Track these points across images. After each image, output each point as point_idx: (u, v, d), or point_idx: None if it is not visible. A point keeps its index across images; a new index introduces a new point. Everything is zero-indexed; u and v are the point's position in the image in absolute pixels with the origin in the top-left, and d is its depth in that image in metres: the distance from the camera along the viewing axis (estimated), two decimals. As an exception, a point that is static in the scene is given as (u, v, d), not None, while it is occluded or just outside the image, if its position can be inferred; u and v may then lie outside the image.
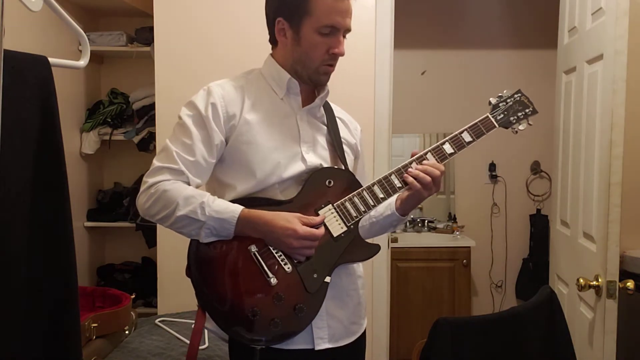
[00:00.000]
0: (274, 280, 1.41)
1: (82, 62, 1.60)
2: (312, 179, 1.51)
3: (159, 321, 2.39)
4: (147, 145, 3.22)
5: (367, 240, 1.55)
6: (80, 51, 1.62)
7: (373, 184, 1.52)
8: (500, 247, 4.27)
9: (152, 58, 2.73)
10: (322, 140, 1.58)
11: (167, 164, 1.43)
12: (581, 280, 1.93)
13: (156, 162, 1.45)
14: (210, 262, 1.43)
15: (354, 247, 1.51)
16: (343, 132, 1.64)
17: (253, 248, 1.42)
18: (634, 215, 2.49)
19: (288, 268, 1.43)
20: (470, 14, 4.17)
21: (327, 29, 1.46)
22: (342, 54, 1.49)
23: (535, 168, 4.23)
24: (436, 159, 1.54)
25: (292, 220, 1.40)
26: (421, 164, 1.52)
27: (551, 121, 2.57)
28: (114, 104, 3.26)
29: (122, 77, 3.42)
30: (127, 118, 3.29)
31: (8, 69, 1.27)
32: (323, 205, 1.49)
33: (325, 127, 1.60)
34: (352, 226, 1.50)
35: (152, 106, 3.02)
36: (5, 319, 1.33)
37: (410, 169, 1.51)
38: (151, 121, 3.10)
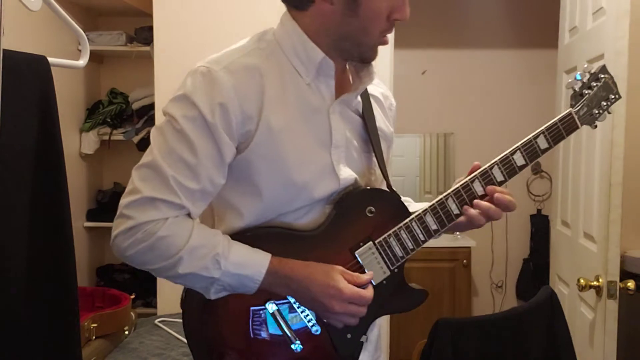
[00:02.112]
0: (298, 347, 1.11)
1: (82, 62, 1.60)
2: (347, 204, 1.14)
3: (159, 321, 2.39)
4: (147, 145, 3.19)
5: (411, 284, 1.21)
6: (80, 51, 1.62)
7: (425, 212, 1.16)
8: (500, 247, 4.26)
9: (152, 58, 2.73)
10: (355, 139, 1.19)
11: (161, 195, 1.02)
12: (582, 281, 1.93)
13: (142, 188, 1.02)
14: (215, 321, 1.11)
15: (396, 295, 1.18)
16: (379, 120, 1.25)
17: (272, 307, 1.10)
18: (634, 216, 2.49)
19: (316, 330, 1.13)
20: (471, 14, 4.17)
21: None
22: (407, 19, 1.10)
23: (536, 168, 4.22)
24: (503, 174, 1.18)
25: (334, 277, 1.07)
26: (489, 187, 1.18)
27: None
28: (113, 103, 3.26)
29: (121, 77, 3.41)
30: (127, 118, 3.29)
31: (7, 69, 1.26)
32: (361, 243, 1.14)
33: (360, 119, 1.20)
34: (396, 270, 1.17)
35: (151, 106, 3.02)
36: (5, 319, 1.33)
37: (477, 201, 1.17)
38: (151, 121, 3.10)
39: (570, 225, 2.29)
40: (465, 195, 1.17)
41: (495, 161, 1.19)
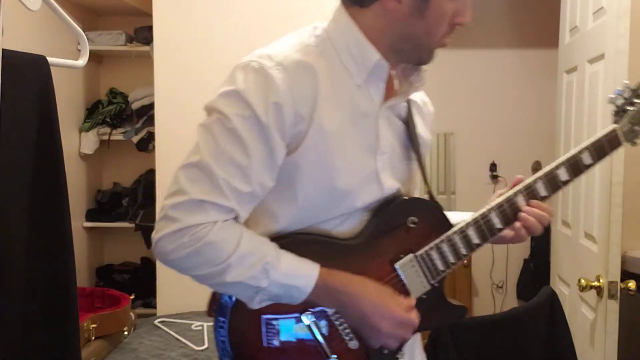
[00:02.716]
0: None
1: (81, 62, 1.59)
2: (389, 213, 1.10)
3: (158, 322, 2.38)
4: (146, 145, 3.21)
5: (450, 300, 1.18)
6: (79, 51, 1.62)
7: (467, 225, 1.13)
8: (501, 247, 4.26)
9: (152, 58, 2.72)
10: (398, 145, 1.14)
11: (211, 198, 0.96)
12: (582, 281, 1.93)
13: (190, 189, 0.97)
14: (246, 328, 1.06)
15: (434, 309, 1.14)
16: (419, 126, 1.20)
17: (308, 318, 1.06)
18: (635, 216, 2.48)
19: (353, 344, 1.08)
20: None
21: None
22: (468, 23, 1.07)
23: (537, 168, 4.21)
24: (547, 189, 1.16)
25: (387, 298, 1.05)
26: (531, 203, 1.15)
27: (552, 121, 2.57)
28: (113, 103, 3.26)
29: (121, 77, 3.41)
30: (126, 118, 3.28)
31: (7, 69, 1.26)
32: (402, 255, 1.10)
33: (403, 124, 1.16)
34: (436, 284, 1.13)
35: (151, 106, 3.01)
36: (5, 320, 1.32)
37: (522, 214, 1.14)
38: (150, 121, 3.09)
39: (571, 225, 2.29)
40: (508, 209, 1.15)
41: (539, 176, 1.16)
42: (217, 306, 1.07)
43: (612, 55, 1.88)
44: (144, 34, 3.14)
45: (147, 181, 3.18)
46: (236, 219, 1.00)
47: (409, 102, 1.17)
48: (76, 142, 3.19)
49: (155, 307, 2.77)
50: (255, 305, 1.01)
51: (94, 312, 2.08)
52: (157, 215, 1.00)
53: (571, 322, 1.91)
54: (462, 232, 1.12)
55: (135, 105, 3.20)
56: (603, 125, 1.95)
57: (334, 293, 1.03)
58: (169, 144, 2.67)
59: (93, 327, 2.02)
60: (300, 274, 1.01)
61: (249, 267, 0.98)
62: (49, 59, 1.45)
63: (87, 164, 3.28)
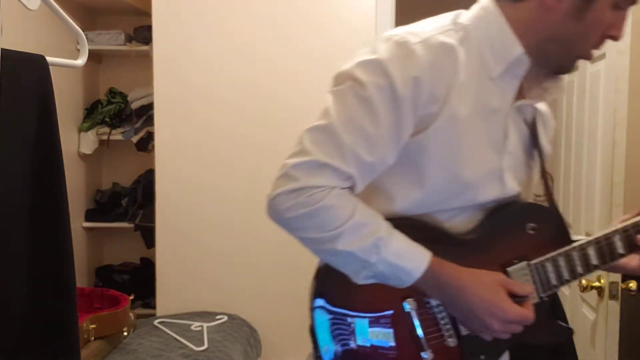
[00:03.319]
0: (429, 356, 1.03)
1: (80, 61, 1.58)
2: (507, 216, 1.07)
3: (158, 322, 2.38)
4: (146, 144, 3.21)
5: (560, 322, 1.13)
6: (79, 50, 1.61)
7: (588, 243, 1.07)
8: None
9: (151, 57, 2.72)
10: (522, 150, 1.11)
11: (333, 161, 0.96)
12: (583, 281, 1.92)
13: (314, 150, 0.96)
14: (343, 303, 1.04)
15: (539, 326, 1.06)
16: (542, 136, 1.16)
17: (410, 304, 1.02)
18: (635, 215, 2.48)
19: (452, 341, 1.04)
20: (470, 13, 4.16)
21: (630, 1, 1.01)
22: (620, 38, 1.03)
23: (535, 168, 4.22)
24: None
25: (500, 295, 1.00)
26: None
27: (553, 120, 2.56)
28: (112, 103, 3.25)
29: (120, 77, 3.41)
30: (126, 118, 3.28)
31: (5, 68, 1.25)
32: (516, 261, 1.06)
33: (528, 130, 1.12)
34: (546, 298, 1.08)
35: (150, 106, 3.01)
36: (4, 319, 1.32)
37: None
38: (150, 121, 3.09)
39: (572, 224, 2.28)
40: (634, 235, 1.08)
41: None
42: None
43: (613, 55, 1.88)
44: (143, 34, 3.14)
45: (147, 181, 3.17)
46: (351, 189, 0.99)
47: (535, 109, 1.13)
48: (75, 142, 3.18)
49: (154, 308, 2.77)
50: (360, 280, 0.99)
51: (93, 313, 2.07)
52: (277, 173, 0.99)
53: (572, 322, 1.90)
54: (582, 249, 1.07)
55: (134, 105, 3.20)
56: (604, 125, 1.95)
57: (443, 285, 1.00)
58: (169, 144, 2.67)
59: (92, 328, 2.02)
60: (411, 256, 0.98)
61: (362, 237, 0.96)
62: (48, 58, 1.44)
63: (86, 164, 3.28)
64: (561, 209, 2.48)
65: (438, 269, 0.99)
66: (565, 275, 1.07)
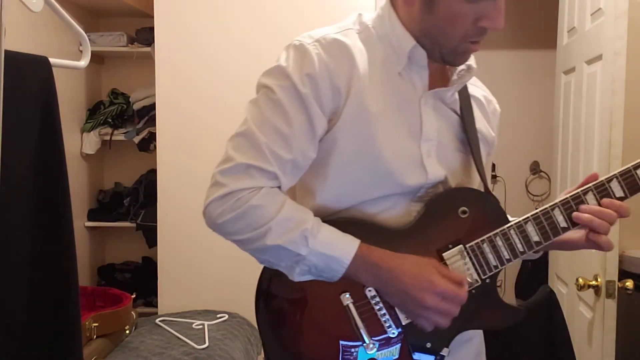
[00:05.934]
0: (371, 348, 1.04)
1: (83, 63, 1.60)
2: (438, 202, 1.08)
3: (160, 321, 2.40)
4: (148, 145, 3.22)
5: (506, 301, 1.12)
6: (81, 51, 1.63)
7: (526, 220, 1.08)
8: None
9: (153, 58, 2.74)
10: (450, 136, 1.13)
11: (255, 162, 1.01)
12: (580, 280, 1.93)
13: (236, 156, 1.02)
14: (281, 307, 1.08)
15: (486, 308, 1.09)
16: (479, 121, 1.17)
17: (347, 298, 1.04)
18: (632, 215, 2.49)
19: (392, 332, 1.05)
20: (470, 14, 4.17)
21: None
22: (499, 28, 1.02)
23: (535, 168, 4.22)
24: (624, 189, 1.07)
25: (428, 268, 1.02)
26: (605, 200, 1.07)
27: (550, 121, 2.58)
28: (114, 104, 3.27)
29: (122, 78, 3.42)
30: (128, 118, 3.29)
31: (9, 70, 1.27)
32: (451, 246, 1.07)
33: (457, 116, 1.14)
34: (487, 279, 1.08)
35: (152, 106, 3.02)
36: (7, 318, 1.33)
37: (584, 206, 1.07)
38: (152, 121, 3.10)
39: (569, 225, 2.29)
40: (574, 207, 1.07)
41: (615, 174, 1.07)
42: None
43: (609, 57, 1.89)
44: (145, 35, 3.15)
45: (148, 181, 3.19)
46: (280, 188, 1.04)
47: (468, 96, 1.16)
48: (78, 143, 3.20)
49: (156, 306, 2.79)
50: (296, 276, 1.02)
51: (95, 311, 2.09)
52: (209, 184, 1.04)
53: (569, 321, 1.91)
54: (520, 227, 1.08)
55: (136, 106, 3.21)
56: (600, 126, 1.96)
57: (374, 268, 1.01)
58: (170, 144, 2.68)
59: (94, 326, 2.03)
60: (340, 245, 1.01)
61: (289, 230, 1.00)
62: (51, 59, 1.46)
63: (88, 164, 3.29)
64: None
65: (367, 254, 1.01)
66: (505, 254, 1.07)
